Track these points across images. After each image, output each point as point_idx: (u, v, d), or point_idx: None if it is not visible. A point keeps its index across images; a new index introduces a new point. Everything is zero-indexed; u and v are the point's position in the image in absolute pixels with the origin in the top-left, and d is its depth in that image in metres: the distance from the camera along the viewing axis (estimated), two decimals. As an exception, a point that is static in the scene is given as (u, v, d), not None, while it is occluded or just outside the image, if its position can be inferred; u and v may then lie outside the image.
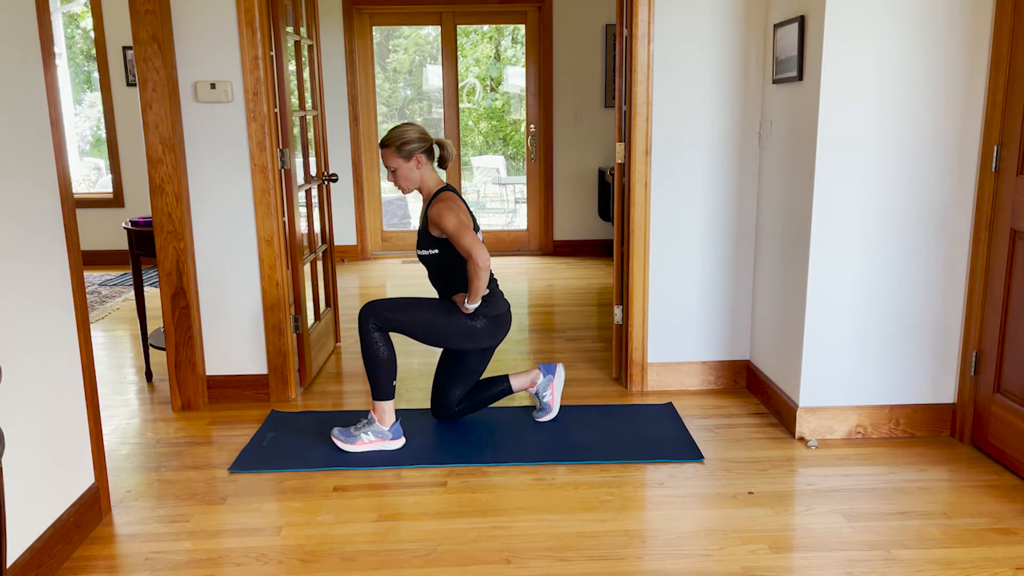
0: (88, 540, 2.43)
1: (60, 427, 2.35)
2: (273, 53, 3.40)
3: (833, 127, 2.88)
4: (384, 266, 6.88)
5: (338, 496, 2.69)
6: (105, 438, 3.00)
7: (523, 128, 7.84)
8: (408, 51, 10.20)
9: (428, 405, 3.47)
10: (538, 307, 5.40)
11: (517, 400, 3.53)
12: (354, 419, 3.24)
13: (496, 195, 10.13)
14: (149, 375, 3.88)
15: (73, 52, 8.51)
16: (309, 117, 4.09)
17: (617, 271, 3.76)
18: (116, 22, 6.59)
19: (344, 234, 7.06)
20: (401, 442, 3.05)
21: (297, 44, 3.94)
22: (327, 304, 4.35)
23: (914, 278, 3.00)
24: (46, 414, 2.28)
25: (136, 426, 3.35)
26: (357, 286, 6.10)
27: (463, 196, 3.23)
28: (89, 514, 2.47)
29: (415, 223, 8.92)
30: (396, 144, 3.00)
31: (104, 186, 8.10)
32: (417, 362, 4.11)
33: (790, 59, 3.08)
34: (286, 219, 3.52)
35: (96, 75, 7.05)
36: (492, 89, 10.27)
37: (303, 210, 4.00)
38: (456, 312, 3.05)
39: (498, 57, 10.14)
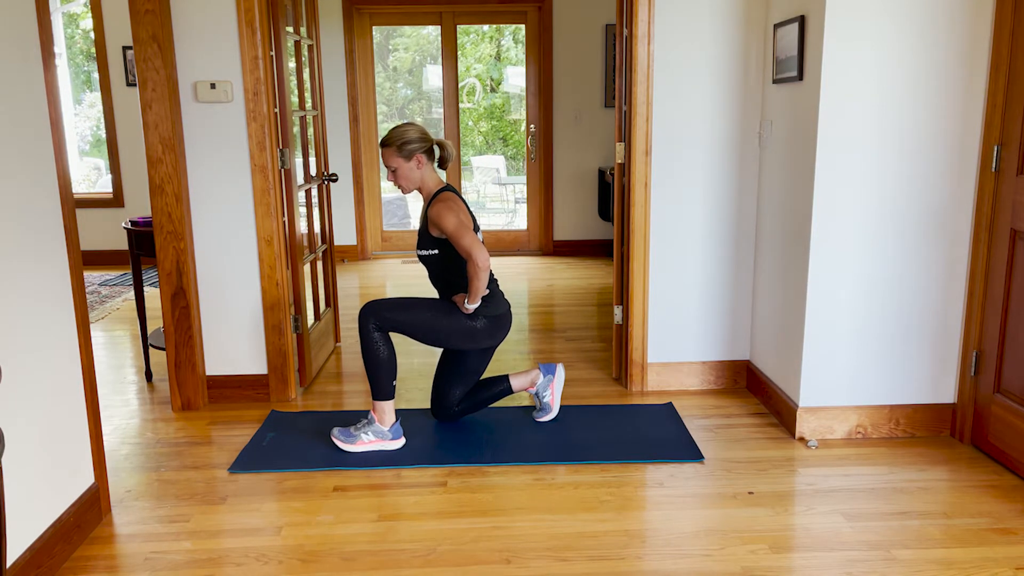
0: (88, 540, 2.43)
1: (60, 427, 2.35)
2: (273, 53, 3.40)
3: (833, 127, 2.88)
4: (384, 266, 6.88)
5: (338, 496, 2.69)
6: (105, 438, 3.00)
7: (523, 128, 7.84)
8: (408, 51, 10.20)
9: (428, 405, 3.47)
10: (538, 307, 5.40)
11: (517, 400, 3.53)
12: (354, 419, 3.24)
13: (496, 195, 10.13)
14: (149, 375, 3.88)
15: (73, 52, 8.51)
16: (309, 117, 4.09)
17: (617, 271, 3.76)
18: (116, 22, 6.60)
19: (344, 234, 7.06)
20: (401, 442, 3.05)
21: (297, 44, 3.94)
22: (327, 304, 4.35)
23: (914, 278, 3.00)
24: (46, 414, 2.28)
25: (136, 426, 3.35)
26: (357, 286, 6.10)
27: (463, 196, 3.23)
28: (89, 514, 2.47)
29: (415, 223, 8.92)
30: (397, 144, 3.00)
31: (104, 186, 8.10)
32: (417, 362, 4.11)
33: (790, 59, 3.07)
34: (286, 219, 3.52)
35: (96, 75, 7.05)
36: (492, 89, 10.27)
37: (303, 210, 4.00)
38: (456, 312, 3.05)
39: (498, 57, 10.13)
